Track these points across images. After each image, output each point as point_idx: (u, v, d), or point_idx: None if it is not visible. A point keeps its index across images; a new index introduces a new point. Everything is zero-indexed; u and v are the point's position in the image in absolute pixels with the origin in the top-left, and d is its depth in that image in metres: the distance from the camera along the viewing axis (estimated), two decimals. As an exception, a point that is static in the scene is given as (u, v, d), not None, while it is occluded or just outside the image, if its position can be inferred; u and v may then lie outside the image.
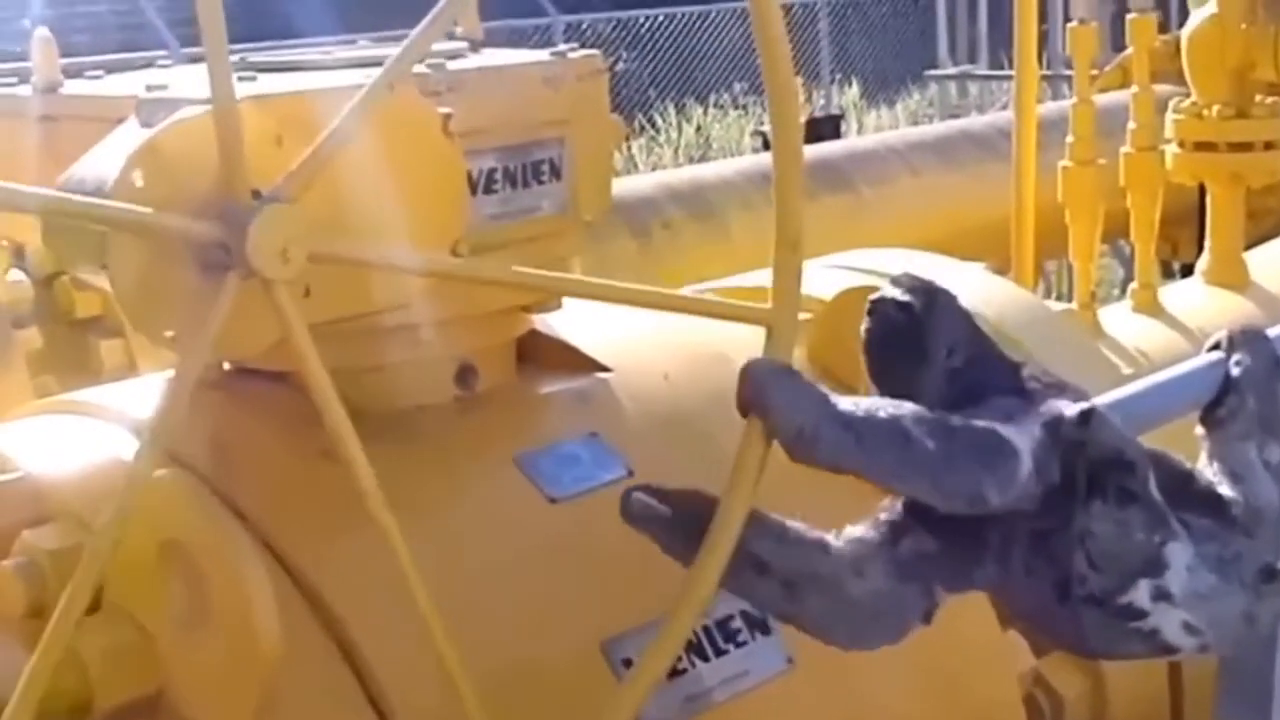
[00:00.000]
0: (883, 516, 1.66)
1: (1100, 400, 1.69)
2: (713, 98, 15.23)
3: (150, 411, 1.47)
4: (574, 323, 2.14)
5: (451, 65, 1.86)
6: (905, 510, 1.65)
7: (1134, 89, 3.77)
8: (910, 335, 1.66)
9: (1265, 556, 1.72)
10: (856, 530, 1.66)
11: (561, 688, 1.78)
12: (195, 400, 1.93)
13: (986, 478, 1.57)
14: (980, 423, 1.59)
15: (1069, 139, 3.67)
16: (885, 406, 1.57)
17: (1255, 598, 1.68)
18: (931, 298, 1.66)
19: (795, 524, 1.64)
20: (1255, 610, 1.69)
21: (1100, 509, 1.62)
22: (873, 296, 1.67)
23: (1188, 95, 4.00)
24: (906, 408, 1.57)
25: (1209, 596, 1.65)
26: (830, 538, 1.64)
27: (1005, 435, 1.58)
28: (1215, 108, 3.87)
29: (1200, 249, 4.09)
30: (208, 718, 1.58)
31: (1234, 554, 1.68)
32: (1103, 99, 3.81)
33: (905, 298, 1.65)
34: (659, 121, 14.40)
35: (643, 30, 15.37)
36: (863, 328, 1.68)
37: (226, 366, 1.97)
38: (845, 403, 1.56)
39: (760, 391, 1.55)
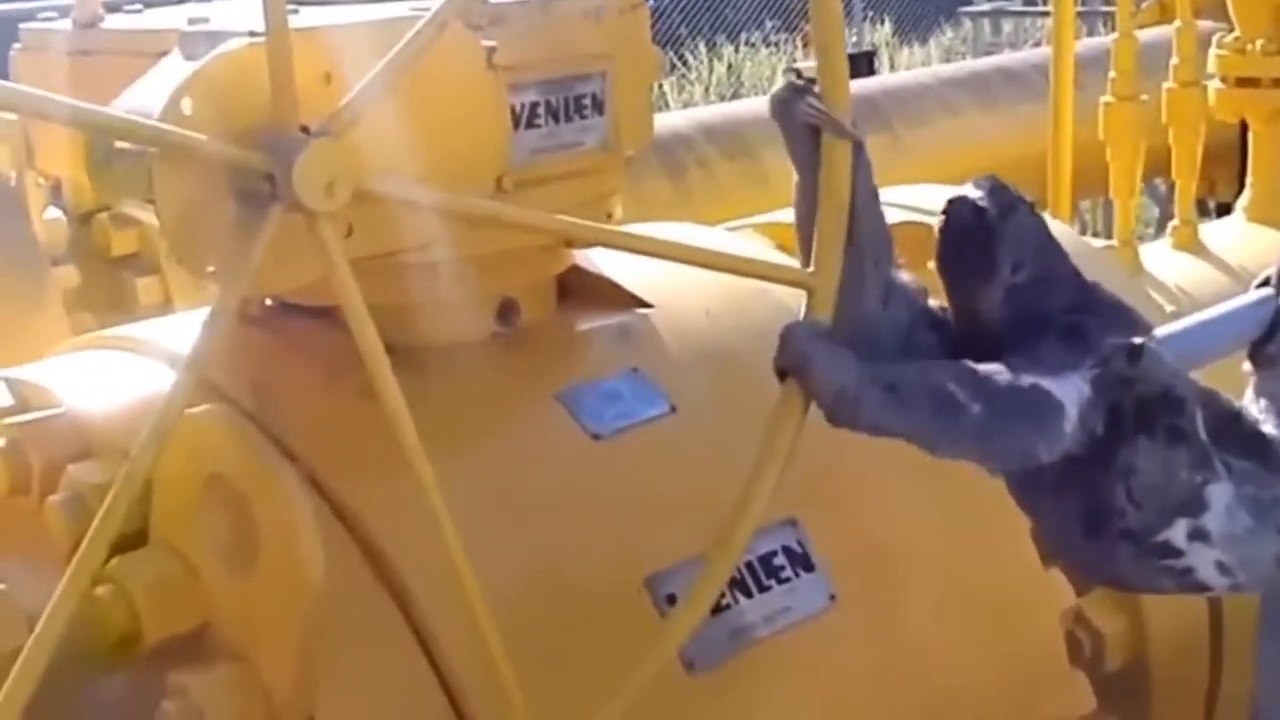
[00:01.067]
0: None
1: (1151, 337, 1.67)
2: (744, 35, 15.12)
3: (188, 344, 1.46)
4: (615, 258, 2.13)
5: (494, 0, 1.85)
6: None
7: (1176, 24, 3.72)
8: (981, 241, 1.63)
9: None
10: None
11: (605, 623, 1.78)
12: (238, 336, 1.95)
13: (1035, 438, 1.56)
14: (1026, 379, 1.57)
15: (1110, 74, 3.62)
16: (929, 369, 1.56)
17: None
18: (1009, 206, 1.64)
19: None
20: None
21: (1147, 445, 1.61)
22: (951, 196, 1.65)
23: (1230, 30, 3.95)
24: (951, 368, 1.56)
25: (1244, 538, 1.64)
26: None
27: (1051, 391, 1.57)
28: (1259, 42, 3.81)
29: (1240, 187, 4.04)
30: (254, 651, 1.58)
31: (1272, 498, 1.68)
32: (1142, 35, 3.75)
33: (983, 202, 1.63)
34: (689, 59, 14.30)
35: (673, -33, 15.28)
36: (936, 228, 1.66)
37: (269, 302, 1.96)
38: (887, 368, 1.55)
39: (800, 355, 1.53)
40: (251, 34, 1.52)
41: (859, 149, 1.60)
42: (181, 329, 2.02)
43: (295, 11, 1.72)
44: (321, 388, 1.85)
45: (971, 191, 1.64)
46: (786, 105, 1.60)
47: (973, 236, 1.63)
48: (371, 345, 1.47)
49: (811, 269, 1.60)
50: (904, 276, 1.68)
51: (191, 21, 1.64)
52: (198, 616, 1.62)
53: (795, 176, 1.64)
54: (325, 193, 1.40)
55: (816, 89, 1.60)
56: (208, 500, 1.58)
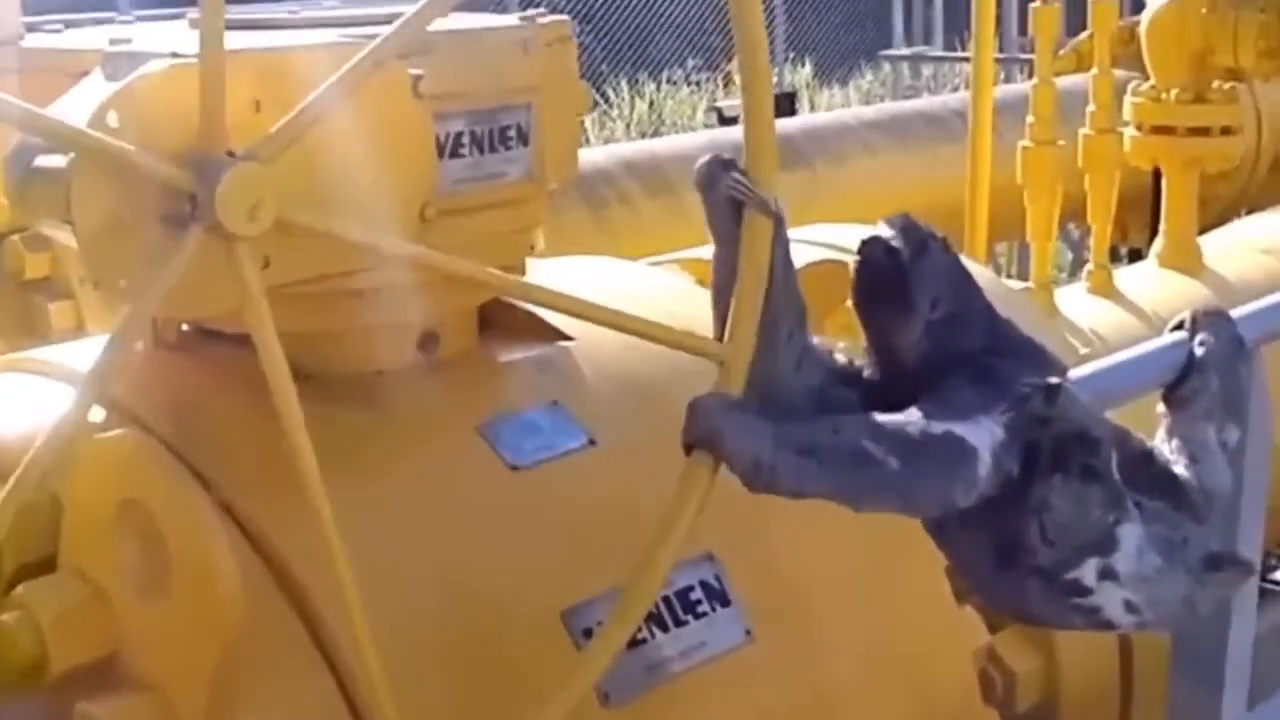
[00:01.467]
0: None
1: (1069, 376, 1.69)
2: (666, 73, 15.18)
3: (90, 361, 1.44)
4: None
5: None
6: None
7: (1093, 71, 3.78)
8: (895, 281, 1.64)
9: (1211, 544, 1.73)
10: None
11: (521, 657, 1.77)
12: (155, 361, 1.93)
13: (951, 485, 1.58)
14: (938, 427, 1.58)
15: (1029, 119, 3.67)
16: (842, 427, 1.56)
17: (1198, 584, 1.70)
18: (922, 244, 1.64)
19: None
20: (1196, 596, 1.71)
21: (1061, 484, 1.63)
22: (864, 236, 1.66)
23: (1146, 79, 4.02)
24: (863, 425, 1.56)
25: (1153, 578, 1.66)
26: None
27: (964, 438, 1.58)
28: (1173, 92, 3.89)
29: (1152, 234, 4.11)
30: (165, 680, 1.56)
31: (1181, 539, 1.70)
32: (1059, 83, 3.80)
33: (895, 242, 1.64)
34: (611, 96, 14.34)
35: (596, 4, 15.32)
36: (851, 268, 1.67)
37: (185, 328, 1.94)
38: (801, 429, 1.55)
39: (712, 429, 1.53)
40: (175, 55, 1.51)
41: (779, 223, 1.61)
42: (91, 353, 1.99)
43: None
44: (239, 413, 1.83)
45: (884, 231, 1.65)
46: (711, 178, 1.61)
47: (887, 277, 1.64)
48: (279, 373, 1.46)
49: (726, 341, 1.61)
50: (813, 340, 1.69)
51: (113, 42, 1.63)
52: (107, 644, 1.59)
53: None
54: (248, 216, 1.39)
55: (740, 165, 1.61)
56: (120, 526, 1.55)
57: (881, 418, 1.57)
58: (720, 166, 1.61)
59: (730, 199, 1.60)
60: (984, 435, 1.58)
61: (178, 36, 1.78)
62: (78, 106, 1.46)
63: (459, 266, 1.62)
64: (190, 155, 1.38)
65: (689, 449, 1.56)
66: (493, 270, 1.67)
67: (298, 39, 1.72)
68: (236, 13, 1.98)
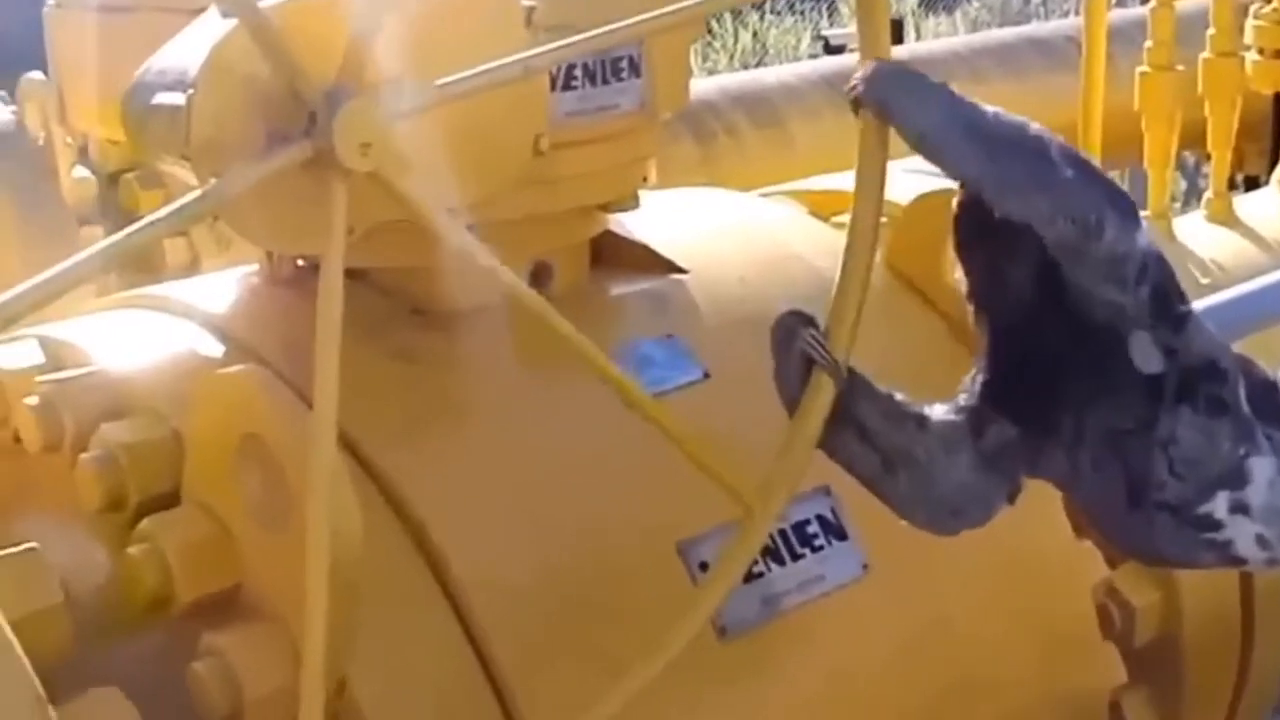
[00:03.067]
0: (963, 401, 1.64)
1: (1195, 306, 1.65)
2: (770, 2, 15.05)
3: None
4: (650, 224, 2.12)
5: (533, -43, 1.82)
6: (983, 394, 1.63)
7: (1214, -7, 3.68)
8: (1000, 222, 1.61)
9: None
10: (940, 412, 1.64)
11: (638, 589, 1.77)
12: (271, 297, 1.94)
13: (1110, 212, 1.52)
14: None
15: (1147, 44, 3.58)
16: (1024, 122, 1.54)
17: None
18: None
19: (898, 396, 1.62)
20: None
21: (1189, 416, 1.59)
22: None
23: (1268, 1, 3.91)
24: (1048, 133, 1.54)
25: None
26: (928, 410, 1.62)
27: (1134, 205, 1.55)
28: (1296, 14, 3.79)
29: (1271, 162, 4.01)
30: (288, 612, 1.58)
31: None
32: (1180, 4, 3.70)
33: None
34: (714, 27, 14.23)
35: (698, -66, 15.19)
36: (954, 203, 1.64)
37: (300, 264, 1.95)
38: (981, 108, 1.52)
39: (883, 94, 1.51)
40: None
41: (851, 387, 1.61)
42: (209, 289, 2.01)
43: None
44: (354, 350, 1.83)
45: None
46: (788, 334, 1.60)
47: (990, 219, 1.61)
48: (330, 319, 1.45)
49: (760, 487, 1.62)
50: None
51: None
52: (231, 577, 1.61)
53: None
54: (368, 152, 1.38)
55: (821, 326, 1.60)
56: (241, 460, 1.57)
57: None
58: (799, 322, 1.59)
59: (805, 357, 1.58)
60: (1145, 230, 1.55)
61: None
62: (194, 47, 1.46)
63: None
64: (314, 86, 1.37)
65: (856, 110, 1.55)
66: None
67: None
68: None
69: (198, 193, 1.39)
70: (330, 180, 1.38)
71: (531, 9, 1.67)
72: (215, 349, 1.84)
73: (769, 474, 1.62)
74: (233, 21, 1.41)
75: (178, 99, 1.44)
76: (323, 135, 1.36)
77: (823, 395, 1.59)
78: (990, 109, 1.53)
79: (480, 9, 1.62)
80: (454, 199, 1.62)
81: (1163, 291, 1.57)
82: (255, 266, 2.01)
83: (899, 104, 1.50)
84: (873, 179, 1.59)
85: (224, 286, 2.01)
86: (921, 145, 1.50)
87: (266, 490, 1.56)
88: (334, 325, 1.39)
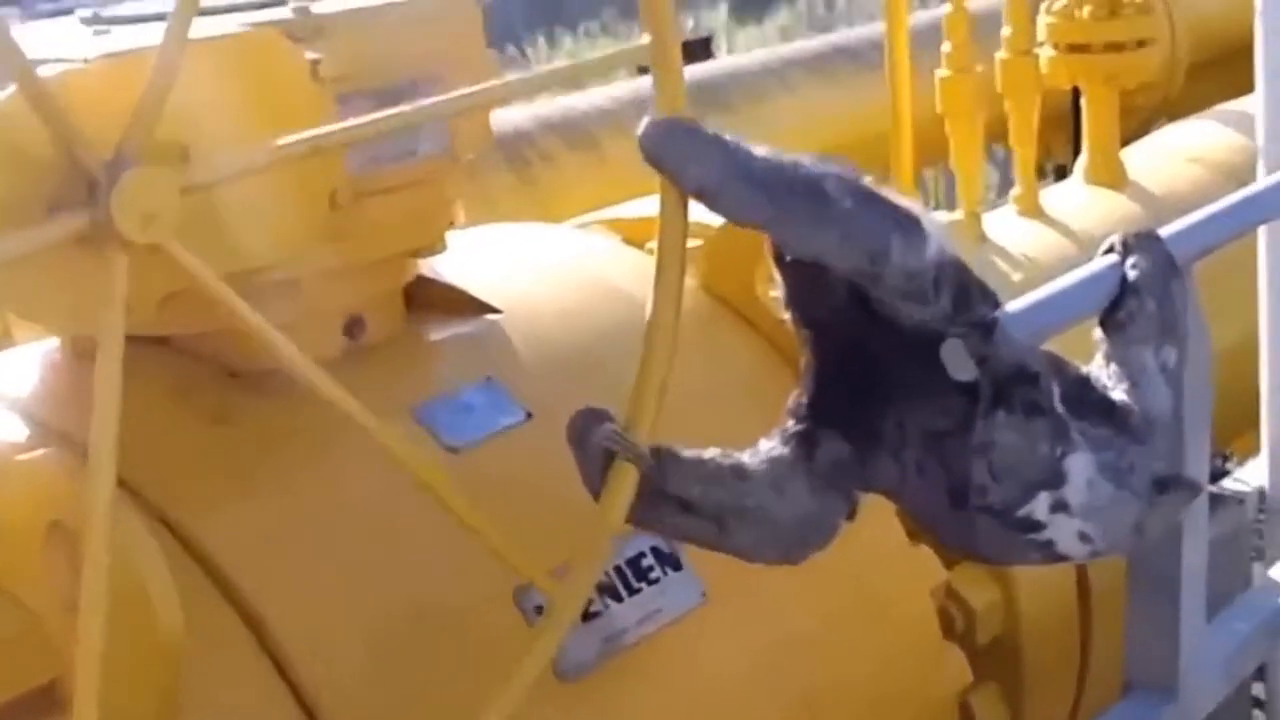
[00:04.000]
0: (791, 427, 1.65)
1: (1001, 311, 1.67)
2: (582, 25, 15.09)
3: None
4: (464, 264, 2.09)
5: (317, 9, 1.79)
6: (809, 413, 1.64)
7: (1006, -7, 3.75)
8: None
9: (1157, 466, 1.72)
10: (767, 446, 1.64)
11: (476, 638, 1.75)
12: (74, 373, 1.88)
13: (894, 239, 1.53)
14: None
15: (944, 46, 3.64)
16: (798, 161, 1.54)
17: (1147, 507, 1.69)
18: None
19: (709, 453, 1.61)
20: (1145, 519, 1.69)
21: (1005, 420, 1.61)
22: None
23: (1058, -2, 4.00)
24: (829, 170, 1.54)
25: (1104, 507, 1.65)
26: (746, 458, 1.62)
27: (921, 220, 1.56)
28: (1086, 9, 3.87)
29: (1075, 150, 4.10)
30: (111, 702, 1.52)
31: (1129, 464, 1.68)
32: (974, 4, 3.77)
33: None
34: (529, 53, 14.23)
35: (506, -40, 15.17)
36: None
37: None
38: (755, 154, 1.52)
39: (657, 150, 1.51)
40: (59, 60, 1.46)
41: (650, 473, 1.59)
42: (10, 366, 1.94)
43: (107, 32, 1.66)
44: (167, 418, 1.79)
45: None
46: (584, 432, 1.59)
47: None
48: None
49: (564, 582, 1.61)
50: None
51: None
52: (47, 672, 1.55)
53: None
54: (152, 223, 1.33)
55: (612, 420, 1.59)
56: (50, 549, 1.51)
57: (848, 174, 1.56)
58: (593, 419, 1.59)
59: (605, 450, 1.57)
60: (934, 242, 1.56)
61: (65, 35, 1.73)
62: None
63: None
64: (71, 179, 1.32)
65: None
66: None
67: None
68: (127, 9, 1.94)
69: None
70: (109, 254, 1.33)
71: (316, 62, 1.64)
72: (18, 431, 1.77)
73: (572, 561, 1.60)
74: (5, 90, 1.36)
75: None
76: (102, 206, 1.31)
77: (626, 482, 1.58)
78: (762, 151, 1.53)
79: (265, 66, 1.59)
80: (247, 261, 1.59)
81: (964, 295, 1.58)
82: (58, 341, 1.95)
83: (674, 159, 1.50)
84: (673, 245, 1.58)
85: (26, 363, 1.95)
86: (701, 197, 1.50)
87: (78, 578, 1.50)
88: (111, 409, 1.35)
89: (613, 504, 1.58)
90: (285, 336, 1.84)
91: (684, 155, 1.50)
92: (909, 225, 1.55)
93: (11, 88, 1.36)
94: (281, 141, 1.40)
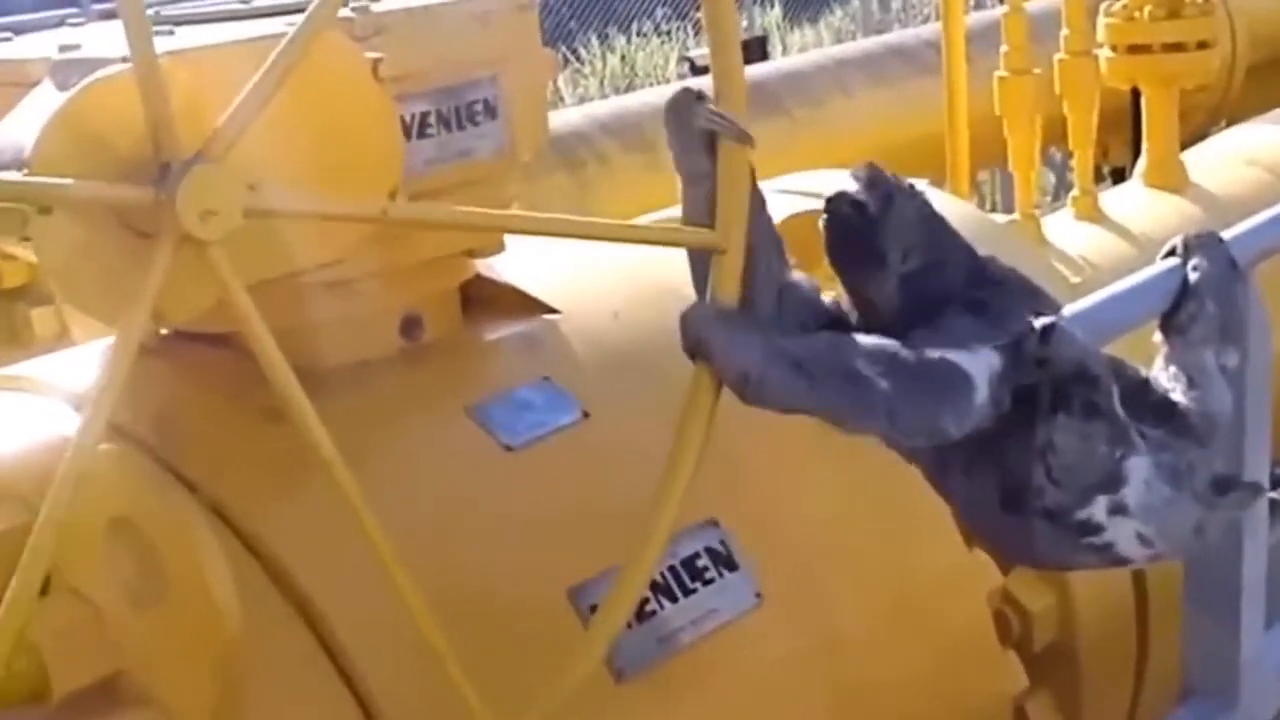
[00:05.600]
0: None
1: (1062, 313, 1.67)
2: (635, 25, 15.09)
3: (91, 384, 1.41)
4: (518, 265, 2.10)
5: (377, 8, 1.80)
6: None
7: (1064, -6, 3.72)
8: (865, 235, 1.61)
9: (1216, 467, 1.71)
10: None
11: (530, 636, 1.75)
12: (136, 369, 1.89)
13: (944, 412, 1.54)
14: (934, 353, 1.55)
15: (1003, 48, 3.62)
16: (836, 344, 1.53)
17: (1206, 509, 1.68)
18: (888, 196, 1.62)
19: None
20: (1205, 521, 1.68)
21: (1065, 422, 1.61)
22: (829, 193, 1.63)
23: (1117, -1, 3.97)
24: (858, 344, 1.54)
25: (1163, 509, 1.64)
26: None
27: (960, 364, 1.55)
28: (1146, 9, 3.84)
29: (1135, 152, 4.07)
30: (169, 695, 1.54)
31: (1188, 465, 1.67)
32: (1031, 6, 3.75)
33: (861, 196, 1.61)
34: (582, 53, 14.24)
35: (560, -39, 15.21)
36: (821, 224, 1.64)
37: (164, 332, 1.91)
38: (793, 343, 1.52)
39: (700, 339, 1.51)
40: (125, 60, 1.47)
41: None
42: (80, 365, 1.96)
43: (171, 33, 1.67)
44: (224, 414, 1.80)
45: (849, 184, 1.62)
46: (683, 111, 1.56)
47: (856, 232, 1.62)
48: (276, 365, 1.42)
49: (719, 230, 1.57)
50: (799, 276, 1.65)
51: (62, 49, 1.59)
52: (108, 664, 1.57)
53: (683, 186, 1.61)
54: (212, 219, 1.35)
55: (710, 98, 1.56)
56: (111, 544, 1.53)
57: (877, 340, 1.55)
58: (693, 98, 1.57)
59: (704, 132, 1.56)
60: (981, 364, 1.55)
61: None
62: (24, 125, 1.42)
63: (440, 216, 1.60)
64: (143, 167, 1.34)
65: (693, 356, 1.54)
66: (475, 210, 1.64)
67: (244, 31, 1.69)
68: (185, 8, 1.96)
69: (110, 349, 1.36)
70: (204, 254, 1.35)
71: (378, 60, 1.65)
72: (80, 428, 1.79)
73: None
74: (65, 95, 1.38)
75: (14, 176, 1.40)
76: (169, 190, 1.32)
77: (739, 162, 1.55)
78: (800, 340, 1.53)
79: (328, 66, 1.59)
80: (303, 261, 1.60)
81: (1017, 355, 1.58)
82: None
83: (716, 349, 1.50)
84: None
85: (88, 360, 1.96)
86: (742, 385, 1.49)
87: (140, 572, 1.52)
88: (287, 374, 1.40)
89: (734, 181, 1.54)
90: (342, 333, 1.87)
91: (727, 345, 1.49)
92: (952, 388, 1.54)
93: (101, 72, 1.38)
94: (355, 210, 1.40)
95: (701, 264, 1.59)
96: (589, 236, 1.66)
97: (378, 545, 1.46)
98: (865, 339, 1.55)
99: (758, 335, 1.51)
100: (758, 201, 1.59)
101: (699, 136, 1.55)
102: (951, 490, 1.71)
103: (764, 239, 1.59)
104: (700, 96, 1.56)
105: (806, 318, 1.63)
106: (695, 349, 1.52)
